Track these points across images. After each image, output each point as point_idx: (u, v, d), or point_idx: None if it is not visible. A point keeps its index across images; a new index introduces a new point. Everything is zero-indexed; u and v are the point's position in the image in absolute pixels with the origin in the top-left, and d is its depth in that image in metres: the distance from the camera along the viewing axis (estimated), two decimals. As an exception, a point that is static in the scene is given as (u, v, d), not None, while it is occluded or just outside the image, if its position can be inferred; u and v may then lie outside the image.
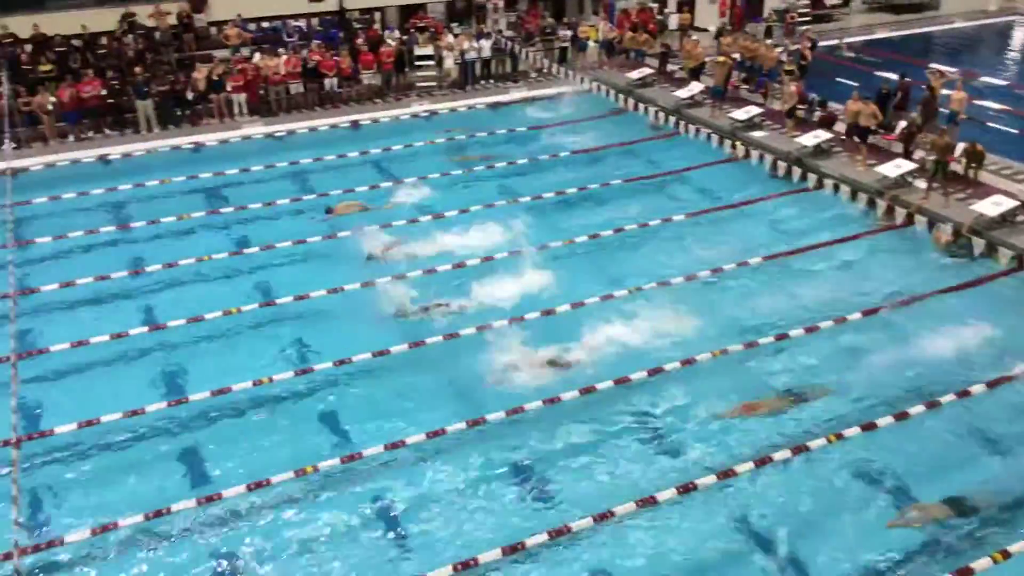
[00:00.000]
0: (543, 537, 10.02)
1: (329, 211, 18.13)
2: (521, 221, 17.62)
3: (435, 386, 12.89)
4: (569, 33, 27.42)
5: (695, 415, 12.25)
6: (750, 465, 11.08)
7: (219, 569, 9.90)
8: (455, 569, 9.60)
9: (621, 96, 24.66)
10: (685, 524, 10.41)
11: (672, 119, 22.87)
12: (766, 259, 16.10)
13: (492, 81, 26.26)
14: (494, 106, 24.78)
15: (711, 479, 10.89)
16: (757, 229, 17.49)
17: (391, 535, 10.38)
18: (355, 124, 23.24)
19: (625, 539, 10.20)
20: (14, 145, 20.57)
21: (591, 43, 27.28)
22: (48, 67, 22.48)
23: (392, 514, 10.65)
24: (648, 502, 10.50)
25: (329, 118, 23.45)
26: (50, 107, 21.58)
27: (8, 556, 9.44)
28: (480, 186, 19.59)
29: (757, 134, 21.10)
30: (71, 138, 21.86)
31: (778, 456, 11.23)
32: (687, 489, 10.71)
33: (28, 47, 23.05)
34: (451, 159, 20.94)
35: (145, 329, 14.10)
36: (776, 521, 10.40)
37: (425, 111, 24.19)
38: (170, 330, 14.05)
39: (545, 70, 26.99)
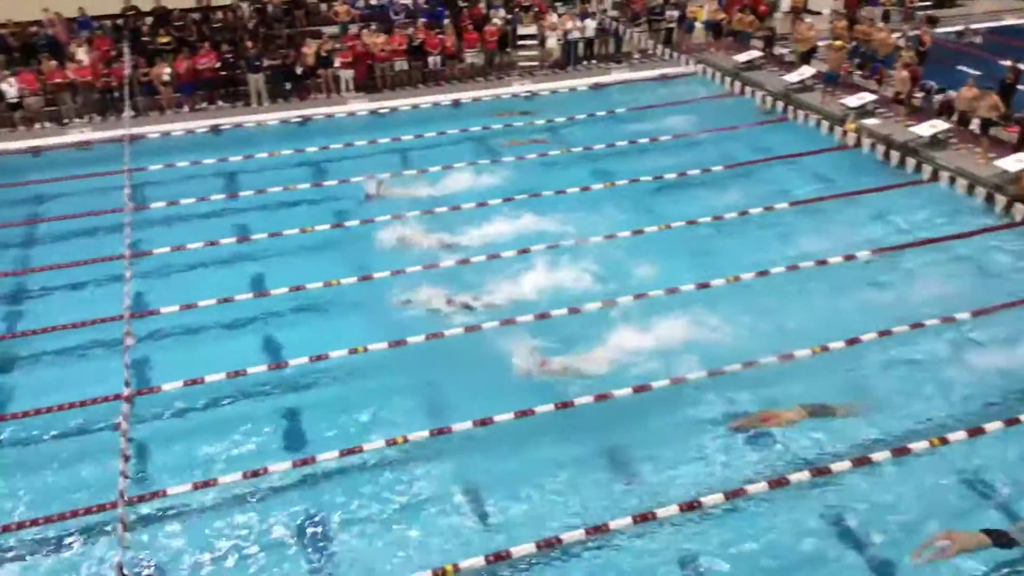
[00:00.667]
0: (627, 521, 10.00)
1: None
2: (616, 205, 17.48)
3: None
4: (676, 13, 26.89)
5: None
6: (847, 464, 10.76)
7: (310, 530, 10.20)
8: (537, 547, 9.65)
9: (727, 79, 24.08)
10: (774, 519, 10.19)
11: (780, 104, 22.22)
12: (875, 252, 15.51)
13: (594, 62, 26.02)
14: (595, 87, 24.55)
15: (804, 475, 10.62)
16: (866, 220, 16.84)
17: (478, 509, 10.48)
18: (456, 103, 23.40)
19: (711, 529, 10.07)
20: (133, 114, 21.53)
21: (698, 24, 26.70)
22: (166, 39, 23.39)
23: (478, 489, 10.76)
24: (737, 493, 10.33)
25: (431, 96, 23.67)
26: (167, 78, 22.46)
27: (115, 505, 9.95)
28: (576, 168, 19.45)
29: (870, 122, 20.30)
30: (186, 108, 22.74)
31: (878, 457, 10.87)
32: (778, 484, 10.48)
33: (149, 20, 24.06)
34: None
35: (250, 295, 14.57)
36: (870, 522, 10.08)
37: (525, 91, 24.16)
38: (273, 297, 14.50)
39: (649, 51, 26.58)
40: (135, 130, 20.75)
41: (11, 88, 21.42)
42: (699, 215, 16.96)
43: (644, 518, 10.03)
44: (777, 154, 19.76)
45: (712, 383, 12.28)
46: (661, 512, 10.07)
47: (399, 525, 10.21)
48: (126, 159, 18.82)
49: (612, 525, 9.91)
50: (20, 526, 10.12)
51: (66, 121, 21.92)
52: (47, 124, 21.86)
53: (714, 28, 26.36)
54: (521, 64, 25.56)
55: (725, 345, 12.90)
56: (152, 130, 21.44)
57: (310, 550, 9.94)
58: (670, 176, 18.83)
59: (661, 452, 11.24)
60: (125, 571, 9.00)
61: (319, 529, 10.20)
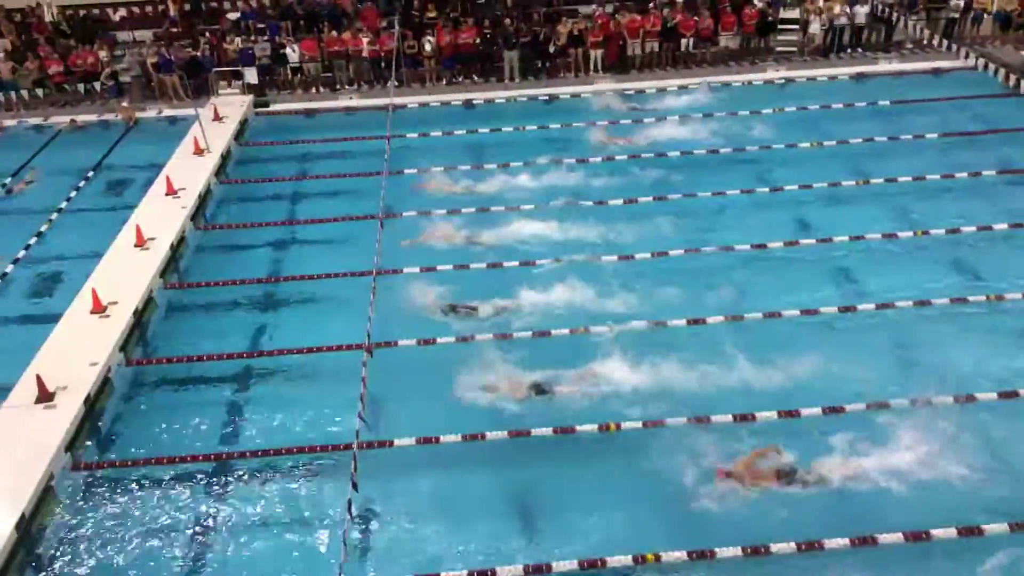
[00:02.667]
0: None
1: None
2: (868, 204, 16.48)
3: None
4: (961, 2, 24.54)
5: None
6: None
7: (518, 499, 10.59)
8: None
9: (1012, 77, 21.73)
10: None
11: (1074, 109, 19.80)
12: None
13: (860, 50, 24.42)
14: (858, 77, 23.05)
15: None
16: None
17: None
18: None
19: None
20: (397, 84, 23.01)
21: (987, 15, 24.23)
22: (433, 14, 24.71)
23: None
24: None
25: (680, 79, 23.31)
26: (429, 49, 23.75)
27: (348, 447, 10.84)
28: (825, 164, 18.43)
29: None
30: (444, 82, 23.96)
31: None
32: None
33: (419, -4, 25.55)
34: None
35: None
36: None
37: (781, 78, 23.16)
38: (506, 269, 15.07)
39: (925, 41, 24.54)
40: (397, 100, 22.15)
41: (293, 53, 23.58)
42: (962, 224, 15.55)
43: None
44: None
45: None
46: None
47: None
48: (388, 126, 20.18)
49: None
50: (260, 453, 11.29)
51: (338, 87, 23.83)
52: (322, 89, 23.88)
53: (1004, 20, 23.82)
54: (779, 49, 24.50)
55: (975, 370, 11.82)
56: (412, 100, 22.78)
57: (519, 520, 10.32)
58: (932, 178, 17.37)
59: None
60: (353, 510, 9.77)
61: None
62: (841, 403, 11.48)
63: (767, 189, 17.36)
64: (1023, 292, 13.56)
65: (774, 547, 9.53)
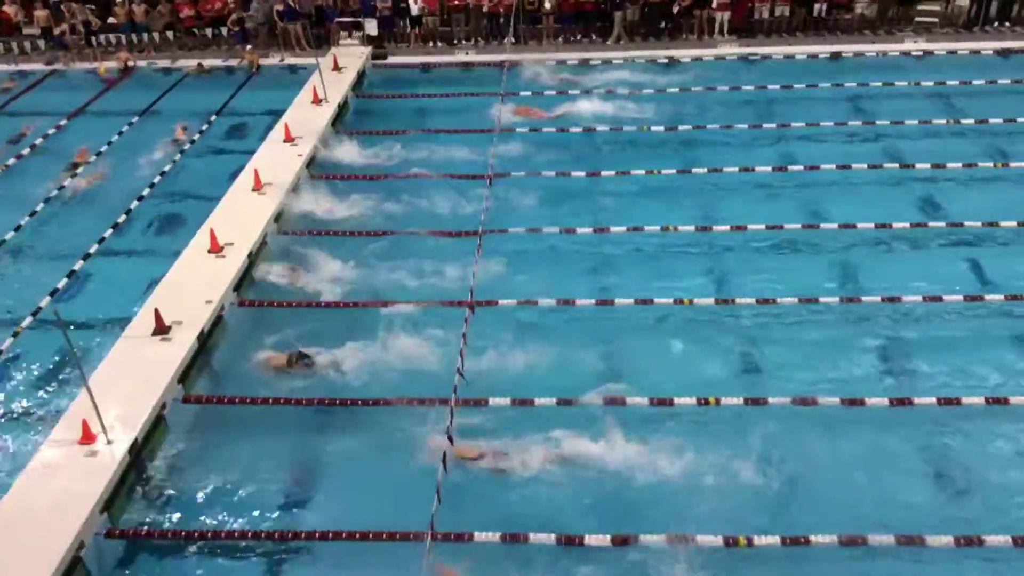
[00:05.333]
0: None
1: None
2: (1007, 189, 15.53)
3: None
4: None
5: None
6: None
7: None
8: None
9: None
10: None
11: None
12: None
13: (1008, 24, 22.75)
14: (1003, 53, 21.52)
15: None
16: None
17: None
18: (836, 56, 21.80)
19: None
20: (513, 41, 22.77)
21: None
22: (556, -30, 24.30)
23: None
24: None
25: (809, 46, 22.26)
26: (548, 6, 23.37)
27: (445, 402, 10.92)
28: (961, 143, 17.34)
29: None
30: (560, 40, 23.58)
31: None
32: None
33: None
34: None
35: (590, 230, 15.03)
36: None
37: (919, 50, 21.83)
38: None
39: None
40: (513, 56, 21.92)
41: (414, 5, 23.59)
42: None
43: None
44: None
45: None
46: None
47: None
48: (503, 83, 20.01)
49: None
50: (360, 403, 11.50)
51: (456, 42, 23.78)
52: (439, 43, 23.88)
53: None
54: (919, 20, 23.05)
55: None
56: (528, 57, 22.52)
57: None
58: (1079, 165, 16.15)
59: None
60: (447, 464, 9.88)
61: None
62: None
63: (896, 165, 16.46)
64: None
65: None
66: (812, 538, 9.21)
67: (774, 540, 9.24)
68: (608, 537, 9.36)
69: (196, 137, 19.19)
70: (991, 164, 16.35)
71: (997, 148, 17.04)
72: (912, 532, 9.23)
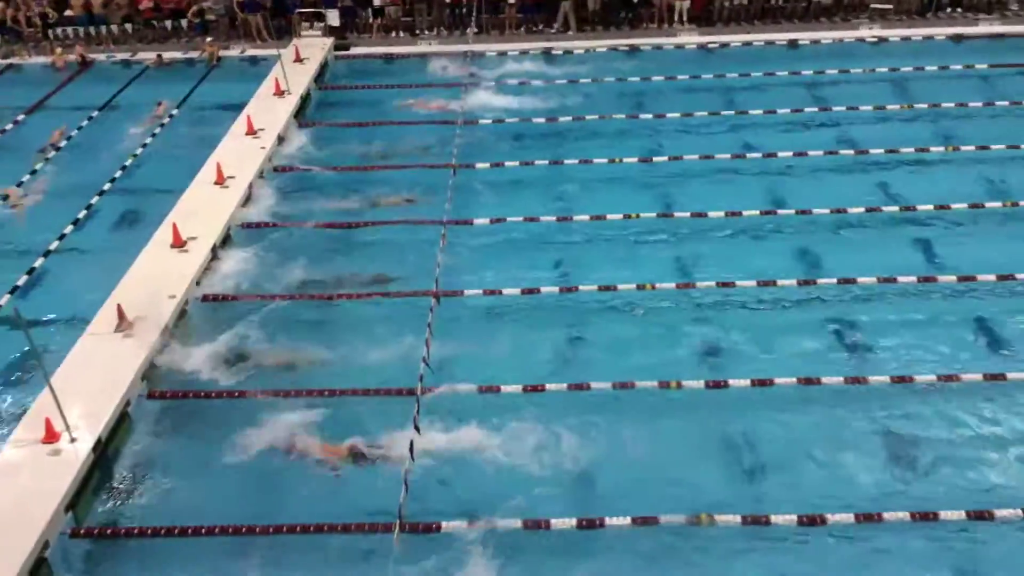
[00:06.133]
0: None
1: None
2: (958, 172, 15.93)
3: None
4: (1073, -41, 23.13)
5: None
6: None
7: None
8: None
9: None
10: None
11: None
12: None
13: (960, 10, 23.21)
14: (956, 39, 21.97)
15: None
16: None
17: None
18: (793, 43, 22.13)
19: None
20: (475, 31, 22.80)
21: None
22: (516, -41, 24.33)
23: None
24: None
25: (767, 34, 22.58)
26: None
27: (412, 392, 11.03)
28: (920, 127, 17.71)
29: None
30: (522, 30, 23.66)
31: None
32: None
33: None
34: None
35: (553, 218, 15.17)
36: None
37: (874, 36, 22.21)
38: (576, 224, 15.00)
39: (1032, 2, 23.25)
40: (476, 47, 21.95)
41: (377, -4, 23.57)
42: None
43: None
44: None
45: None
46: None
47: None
48: (466, 71, 20.07)
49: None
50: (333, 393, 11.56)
51: (418, 32, 23.76)
52: (402, 33, 23.83)
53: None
54: (874, 6, 23.42)
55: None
56: (491, 48, 22.56)
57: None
58: (1027, 147, 16.58)
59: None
60: (413, 453, 10.02)
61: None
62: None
63: (851, 151, 16.79)
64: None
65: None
66: (772, 518, 9.46)
67: (735, 519, 9.48)
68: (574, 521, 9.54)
69: (157, 131, 19.03)
70: (943, 148, 16.73)
71: (949, 132, 17.41)
72: (869, 510, 9.50)
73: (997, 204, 14.83)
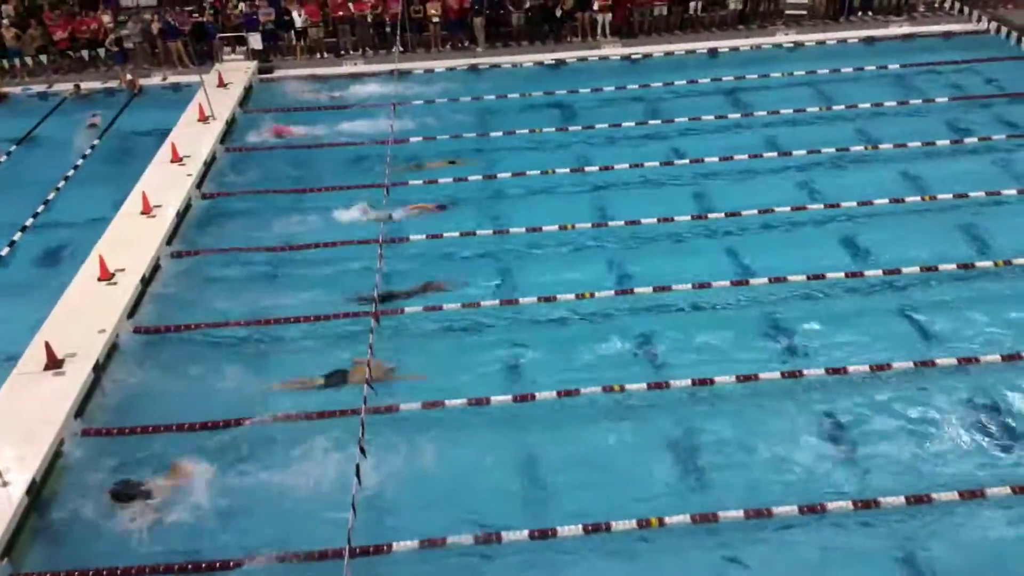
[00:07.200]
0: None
1: None
2: (878, 169, 16.45)
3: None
4: (973, -37, 24.22)
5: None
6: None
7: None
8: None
9: (1024, 40, 21.51)
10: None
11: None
12: None
13: (871, 13, 24.10)
14: (868, 41, 22.79)
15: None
16: None
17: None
18: (713, 51, 22.68)
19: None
20: (401, 49, 22.81)
21: (999, -24, 23.92)
22: (439, -23, 24.42)
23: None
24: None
25: (687, 44, 23.08)
26: (436, 18, 23.48)
27: (356, 412, 10.92)
28: (839, 127, 18.29)
29: None
30: (448, 47, 23.75)
31: None
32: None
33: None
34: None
35: (490, 232, 15.24)
36: None
37: (790, 42, 22.89)
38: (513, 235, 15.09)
39: (936, 4, 24.22)
40: (402, 65, 21.97)
41: (298, 18, 23.34)
42: (970, 189, 15.47)
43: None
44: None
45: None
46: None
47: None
48: (395, 89, 20.06)
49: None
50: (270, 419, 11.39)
51: (342, 53, 23.65)
52: (326, 54, 23.71)
53: (1019, -20, 23.50)
54: (789, 12, 24.17)
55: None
56: (417, 66, 22.60)
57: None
58: (942, 143, 17.24)
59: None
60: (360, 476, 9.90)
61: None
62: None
63: (775, 154, 17.24)
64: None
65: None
66: (720, 514, 9.62)
67: (684, 519, 9.61)
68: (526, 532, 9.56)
69: (80, 162, 18.55)
70: (862, 147, 17.31)
71: (867, 131, 18.02)
72: (811, 501, 9.73)
73: (916, 198, 15.39)
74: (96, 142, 19.44)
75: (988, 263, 13.56)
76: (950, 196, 15.33)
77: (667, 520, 9.56)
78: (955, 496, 9.69)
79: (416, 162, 17.74)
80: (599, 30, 23.62)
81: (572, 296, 13.28)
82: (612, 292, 13.41)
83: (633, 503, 9.87)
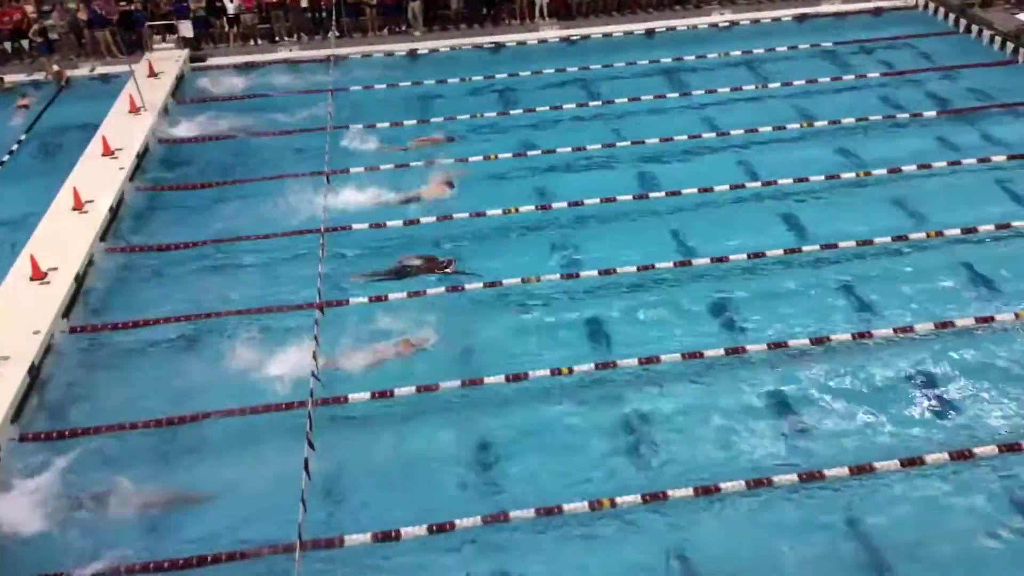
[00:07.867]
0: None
1: None
2: (814, 146, 16.70)
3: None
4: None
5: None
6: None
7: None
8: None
9: (951, 16, 21.99)
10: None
11: (1010, 46, 20.09)
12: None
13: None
14: (801, 19, 23.12)
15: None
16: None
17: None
18: (650, 32, 22.78)
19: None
20: (337, 35, 22.45)
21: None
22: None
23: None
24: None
25: (624, 25, 23.15)
26: (372, 2, 23.14)
27: (303, 404, 10.80)
28: (775, 105, 18.57)
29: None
30: (386, 31, 23.48)
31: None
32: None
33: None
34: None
35: (433, 218, 15.14)
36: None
37: (725, 21, 23.11)
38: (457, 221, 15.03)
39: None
40: (338, 51, 21.63)
41: (230, 4, 22.79)
42: (904, 162, 15.85)
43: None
44: (998, 102, 18.00)
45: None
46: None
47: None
48: (330, 77, 19.76)
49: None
50: (205, 416, 11.21)
51: (277, 39, 23.20)
52: (260, 41, 23.23)
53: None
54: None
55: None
56: (354, 51, 22.26)
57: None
58: (875, 118, 17.61)
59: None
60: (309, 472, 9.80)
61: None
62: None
63: (714, 134, 17.43)
64: (962, 229, 13.93)
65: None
66: (670, 492, 9.77)
67: (636, 499, 9.73)
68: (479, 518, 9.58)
69: (5, 158, 17.91)
70: (798, 124, 17.58)
71: (802, 108, 18.31)
72: (758, 475, 9.93)
73: (851, 174, 15.71)
74: (23, 137, 18.80)
75: (921, 234, 13.89)
76: (884, 171, 15.67)
77: (618, 500, 9.67)
78: (896, 464, 9.97)
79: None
80: (537, 12, 23.55)
81: (519, 280, 13.29)
82: (558, 276, 13.44)
83: (584, 484, 9.97)
